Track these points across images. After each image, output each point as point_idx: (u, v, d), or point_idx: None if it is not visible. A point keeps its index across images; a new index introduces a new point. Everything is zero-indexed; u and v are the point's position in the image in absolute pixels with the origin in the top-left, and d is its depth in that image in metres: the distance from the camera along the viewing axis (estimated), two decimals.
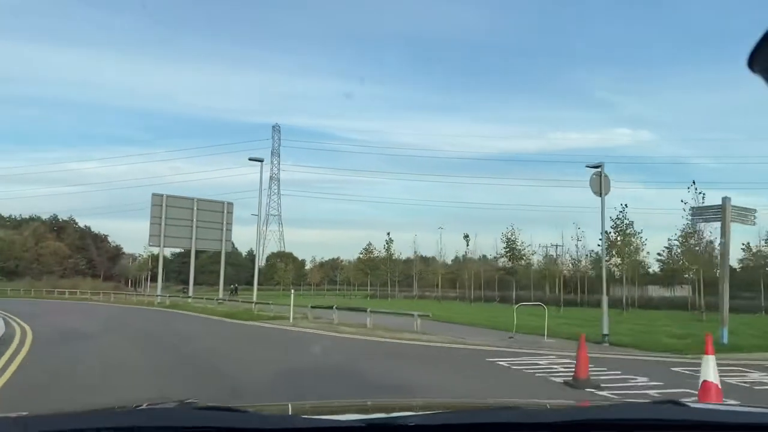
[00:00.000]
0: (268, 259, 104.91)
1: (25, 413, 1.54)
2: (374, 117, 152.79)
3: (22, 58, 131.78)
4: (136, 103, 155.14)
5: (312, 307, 21.33)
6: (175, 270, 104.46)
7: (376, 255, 66.74)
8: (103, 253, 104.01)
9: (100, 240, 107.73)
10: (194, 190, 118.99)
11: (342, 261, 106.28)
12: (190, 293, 39.76)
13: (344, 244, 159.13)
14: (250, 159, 30.78)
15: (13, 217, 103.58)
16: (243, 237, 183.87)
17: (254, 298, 30.01)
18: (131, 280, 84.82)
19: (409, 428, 1.42)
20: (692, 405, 1.70)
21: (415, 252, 66.05)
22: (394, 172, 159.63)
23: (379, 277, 66.16)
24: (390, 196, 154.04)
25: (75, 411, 1.61)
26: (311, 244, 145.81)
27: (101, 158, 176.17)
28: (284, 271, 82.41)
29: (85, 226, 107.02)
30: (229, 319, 24.49)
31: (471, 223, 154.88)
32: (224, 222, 43.03)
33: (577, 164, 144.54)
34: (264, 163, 31.63)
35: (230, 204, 44.15)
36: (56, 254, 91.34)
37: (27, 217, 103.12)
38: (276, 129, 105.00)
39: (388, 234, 63.19)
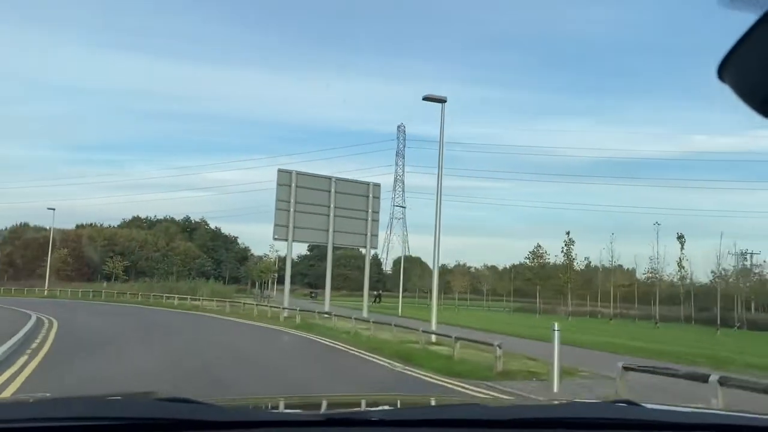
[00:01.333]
0: (395, 263, 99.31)
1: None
2: (494, 121, 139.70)
3: (157, 75, 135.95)
4: (268, 116, 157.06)
5: (626, 368, 8.81)
6: (302, 273, 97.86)
7: (547, 261, 52.93)
8: (232, 254, 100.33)
9: (230, 241, 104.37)
10: None
11: (470, 267, 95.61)
12: (326, 306, 29.00)
13: (464, 250, 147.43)
14: (424, 98, 19.36)
15: (150, 218, 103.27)
16: None
17: (433, 324, 18.01)
18: (257, 283, 78.40)
19: (371, 422, 1.40)
20: (646, 405, 1.68)
21: (612, 260, 51.11)
22: (517, 173, 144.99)
23: (551, 288, 52.33)
24: (513, 202, 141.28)
25: (35, 399, 1.57)
26: (430, 250, 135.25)
27: (231, 161, 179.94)
28: (419, 277, 73.88)
29: (216, 227, 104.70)
30: (411, 370, 12.76)
31: (598, 230, 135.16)
32: (369, 209, 31.84)
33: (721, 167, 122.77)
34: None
35: (377, 186, 32.91)
36: (185, 254, 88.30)
37: (162, 218, 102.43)
38: (401, 129, 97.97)
39: (568, 233, 48.79)
